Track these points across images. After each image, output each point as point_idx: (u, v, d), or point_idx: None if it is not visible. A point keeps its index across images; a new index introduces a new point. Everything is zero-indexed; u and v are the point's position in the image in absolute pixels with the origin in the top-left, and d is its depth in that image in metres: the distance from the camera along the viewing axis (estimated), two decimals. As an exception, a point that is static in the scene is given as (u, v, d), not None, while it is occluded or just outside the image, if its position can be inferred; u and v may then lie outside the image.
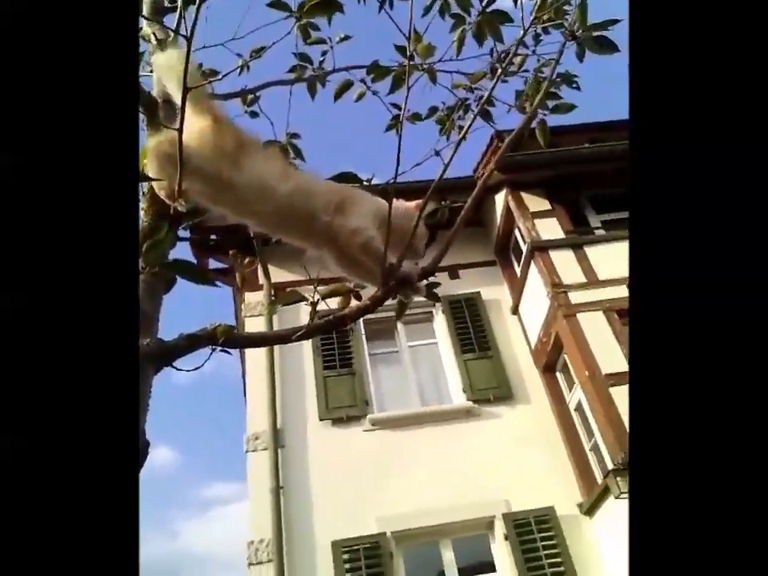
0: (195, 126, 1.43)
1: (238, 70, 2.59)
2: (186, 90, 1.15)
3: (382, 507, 5.04)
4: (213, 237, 6.44)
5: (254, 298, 6.36)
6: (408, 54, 1.47)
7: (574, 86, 2.37)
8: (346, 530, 4.90)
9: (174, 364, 1.23)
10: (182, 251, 6.74)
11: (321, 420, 5.64)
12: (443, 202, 1.72)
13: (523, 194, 6.30)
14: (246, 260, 1.60)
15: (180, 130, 1.20)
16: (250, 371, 6.03)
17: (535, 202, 6.21)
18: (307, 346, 6.06)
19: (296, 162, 2.41)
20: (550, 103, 2.18)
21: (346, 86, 2.45)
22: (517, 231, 6.45)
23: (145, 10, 2.16)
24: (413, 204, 1.50)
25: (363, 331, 6.38)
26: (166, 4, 2.21)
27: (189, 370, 1.26)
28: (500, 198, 6.60)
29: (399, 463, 5.30)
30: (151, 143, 1.42)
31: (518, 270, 6.46)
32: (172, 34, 1.92)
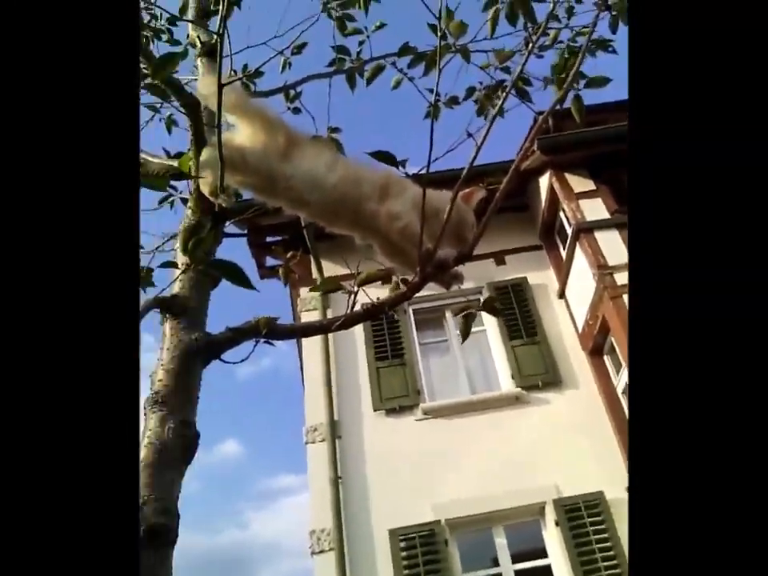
0: (248, 129, 1.54)
1: (280, 68, 2.69)
2: (220, 88, 1.22)
3: (436, 495, 5.16)
4: (269, 238, 6.65)
5: (309, 293, 6.51)
6: (439, 32, 1.47)
7: (610, 49, 2.33)
8: (403, 518, 5.05)
9: (222, 357, 1.28)
10: (240, 250, 6.91)
11: (375, 410, 5.78)
12: (481, 185, 1.70)
13: (567, 175, 6.18)
14: (290, 254, 1.63)
15: (218, 133, 1.29)
16: (307, 365, 6.21)
17: (579, 183, 6.09)
18: (359, 337, 6.20)
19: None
20: (584, 80, 2.13)
21: (378, 69, 2.45)
22: (561, 213, 6.35)
23: (190, 14, 2.27)
24: (461, 194, 1.49)
25: (412, 321, 6.46)
26: (212, 7, 2.31)
27: (236, 363, 1.30)
28: (544, 181, 6.51)
29: (451, 451, 5.39)
30: (206, 150, 1.50)
31: (563, 252, 6.37)
32: (215, 38, 2.03)
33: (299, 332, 1.36)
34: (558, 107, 2.16)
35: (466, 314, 1.46)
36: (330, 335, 5.88)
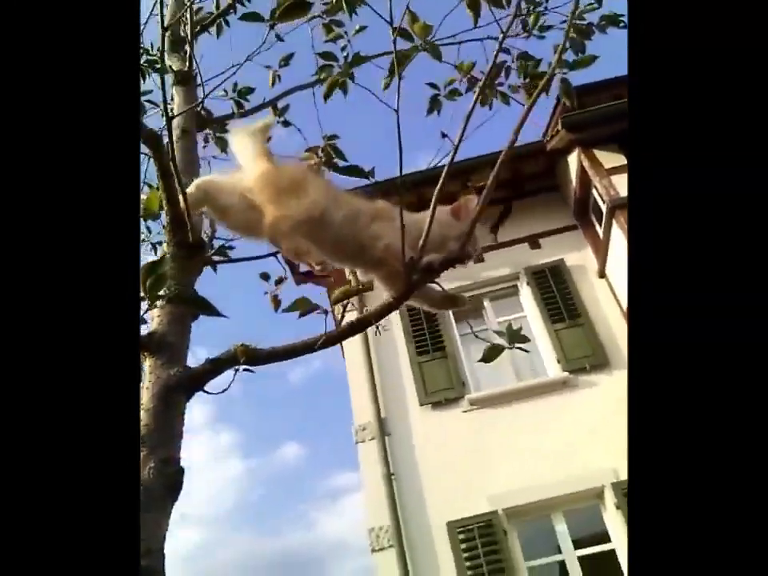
0: (256, 171, 1.54)
1: (270, 82, 2.68)
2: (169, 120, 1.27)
3: (490, 486, 5.13)
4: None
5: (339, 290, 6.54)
6: (393, 35, 1.38)
7: (621, 25, 2.26)
8: (459, 511, 5.03)
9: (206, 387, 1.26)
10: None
11: (421, 405, 5.78)
12: (468, 184, 1.65)
13: (596, 152, 6.06)
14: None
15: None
16: (349, 366, 6.25)
17: (610, 158, 5.95)
18: (399, 334, 6.20)
19: (336, 162, 2.44)
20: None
21: (334, 84, 2.34)
22: (594, 191, 6.22)
23: (166, 44, 2.27)
24: (449, 209, 1.49)
25: (450, 312, 6.43)
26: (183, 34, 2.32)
27: (216, 393, 1.31)
28: (572, 160, 6.39)
29: (502, 440, 5.35)
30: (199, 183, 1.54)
31: (600, 231, 6.25)
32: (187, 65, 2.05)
33: (282, 354, 1.31)
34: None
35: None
36: (370, 336, 5.90)
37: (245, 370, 1.30)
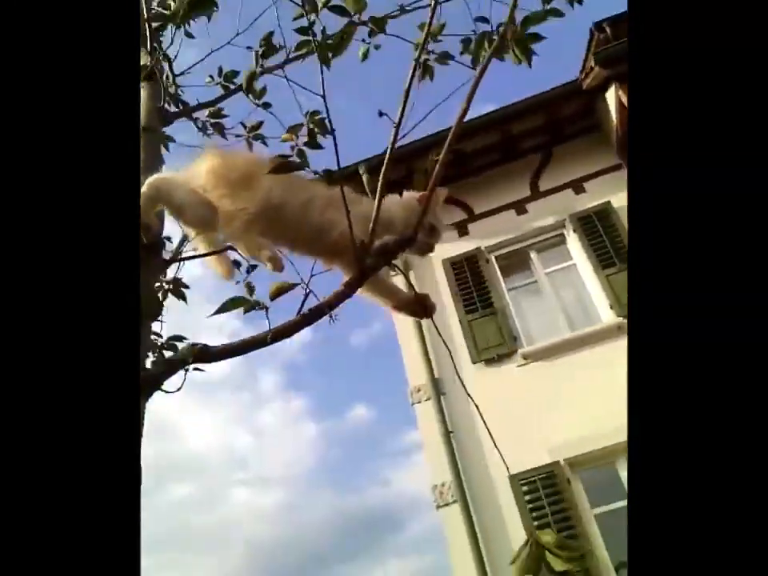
0: (206, 166, 1.51)
1: (254, 62, 2.60)
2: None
3: (551, 437, 5.11)
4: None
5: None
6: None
7: None
8: (521, 464, 5.05)
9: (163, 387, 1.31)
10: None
11: (474, 363, 5.77)
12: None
13: (636, 85, 5.76)
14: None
15: None
16: (399, 330, 6.27)
17: (652, 91, 5.66)
18: (446, 293, 6.17)
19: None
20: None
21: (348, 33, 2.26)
22: (637, 127, 5.94)
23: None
24: (417, 196, 1.46)
25: (497, 268, 6.34)
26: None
27: (173, 392, 1.38)
28: (611, 96, 6.09)
29: (558, 392, 5.30)
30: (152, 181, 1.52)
31: (646, 168, 5.98)
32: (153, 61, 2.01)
33: (236, 350, 1.33)
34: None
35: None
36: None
37: (194, 369, 1.36)
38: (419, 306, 1.56)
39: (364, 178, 5.97)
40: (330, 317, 1.67)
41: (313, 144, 2.40)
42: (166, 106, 2.06)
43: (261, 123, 2.51)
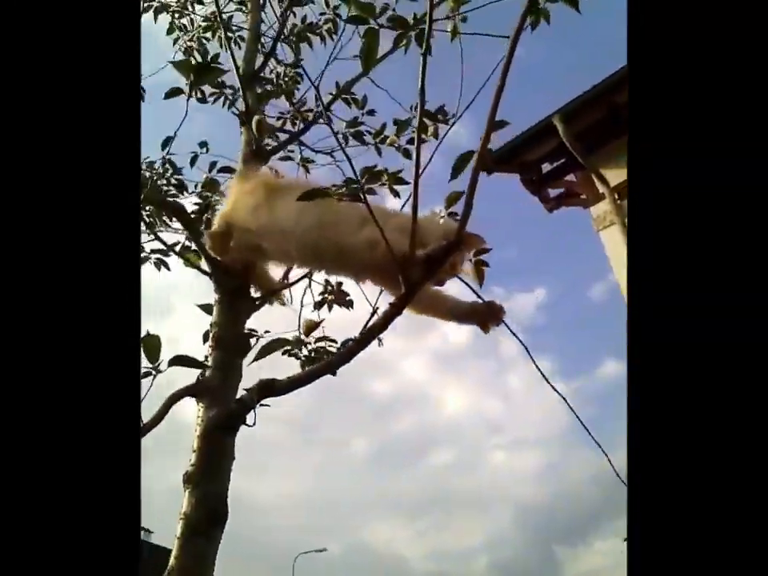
0: (233, 194, 1.66)
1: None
2: None
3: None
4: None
5: (601, 209, 5.46)
6: None
7: None
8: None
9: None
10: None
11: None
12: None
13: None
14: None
15: None
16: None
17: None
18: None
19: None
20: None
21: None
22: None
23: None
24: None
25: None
26: None
27: (251, 425, 1.45)
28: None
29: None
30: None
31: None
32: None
33: (302, 381, 1.38)
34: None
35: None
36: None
37: (260, 405, 1.42)
38: (486, 315, 1.41)
39: (560, 127, 5.39)
40: (379, 341, 1.73)
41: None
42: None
43: (384, 126, 2.47)
